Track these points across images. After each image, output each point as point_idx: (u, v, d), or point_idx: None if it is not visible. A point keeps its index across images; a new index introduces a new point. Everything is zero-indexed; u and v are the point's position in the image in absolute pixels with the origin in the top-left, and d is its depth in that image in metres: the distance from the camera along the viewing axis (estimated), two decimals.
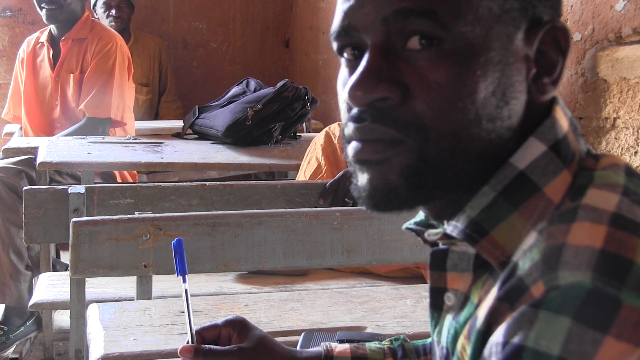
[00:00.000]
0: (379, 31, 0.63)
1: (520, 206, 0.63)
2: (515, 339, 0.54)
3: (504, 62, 0.63)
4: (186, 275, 0.92)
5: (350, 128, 0.65)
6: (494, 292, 0.60)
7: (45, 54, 3.25)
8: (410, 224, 0.76)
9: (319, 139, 2.47)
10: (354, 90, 0.63)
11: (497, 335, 0.56)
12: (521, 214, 0.63)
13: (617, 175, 0.63)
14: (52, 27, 3.24)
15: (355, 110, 0.65)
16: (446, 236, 0.67)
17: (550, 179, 0.63)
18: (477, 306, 0.65)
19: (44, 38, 3.27)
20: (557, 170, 0.64)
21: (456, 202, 0.67)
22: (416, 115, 0.62)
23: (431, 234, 0.71)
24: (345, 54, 0.68)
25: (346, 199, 2.12)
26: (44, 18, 3.20)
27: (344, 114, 0.68)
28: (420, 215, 0.76)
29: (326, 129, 2.50)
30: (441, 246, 0.70)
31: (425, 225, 0.75)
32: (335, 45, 0.68)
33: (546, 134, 0.65)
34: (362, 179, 0.66)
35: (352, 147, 0.66)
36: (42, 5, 3.15)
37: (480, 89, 0.62)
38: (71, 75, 3.19)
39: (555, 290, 0.54)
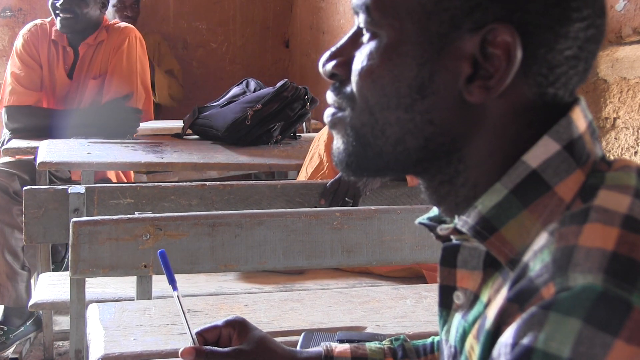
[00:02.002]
0: (356, 20, 0.71)
1: (530, 204, 0.63)
2: (525, 340, 0.54)
3: (427, 57, 0.64)
4: (175, 283, 0.94)
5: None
6: (503, 292, 0.60)
7: (61, 58, 3.10)
8: (423, 218, 0.77)
9: (322, 134, 2.47)
10: (320, 65, 0.72)
11: (507, 336, 0.55)
12: (531, 212, 0.63)
13: (628, 177, 0.63)
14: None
15: None
16: (456, 231, 0.68)
17: (562, 178, 0.63)
18: (486, 305, 0.65)
19: (60, 39, 3.10)
20: (569, 169, 0.64)
21: (435, 191, 0.70)
22: (350, 87, 0.69)
23: (443, 228, 0.71)
24: None
25: (346, 199, 2.13)
26: (57, 26, 3.03)
27: None
28: (434, 210, 0.76)
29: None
30: (453, 242, 0.70)
31: (438, 220, 0.75)
32: None
33: (561, 134, 0.64)
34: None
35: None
36: (57, 13, 3.01)
37: (395, 78, 0.66)
38: (93, 80, 3.07)
39: (566, 292, 0.54)
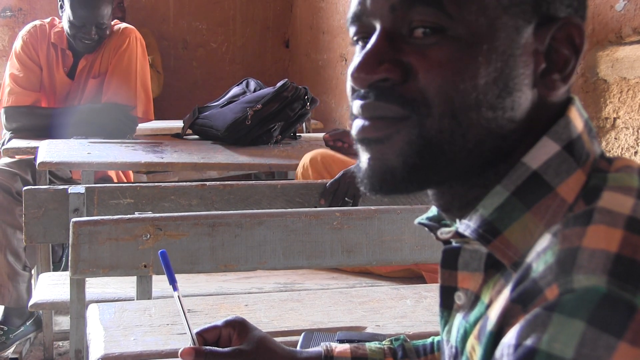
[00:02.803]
0: (387, 18, 0.66)
1: (533, 206, 0.63)
2: (528, 342, 0.53)
3: (509, 53, 0.64)
4: (176, 284, 0.94)
5: (356, 106, 0.67)
6: (506, 293, 0.60)
7: (60, 59, 3.09)
8: (422, 218, 0.76)
9: (298, 171, 2.42)
10: (356, 72, 0.65)
11: (510, 337, 0.55)
12: (534, 214, 0.63)
13: (631, 178, 0.63)
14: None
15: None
16: (459, 235, 0.67)
17: (563, 179, 0.63)
18: (487, 306, 0.65)
19: (59, 41, 3.08)
20: (570, 170, 0.64)
21: (463, 196, 0.68)
22: (419, 91, 0.64)
23: (444, 232, 0.71)
24: (358, 41, 0.70)
25: (346, 199, 2.12)
26: (77, 46, 3.01)
27: (349, 94, 0.69)
28: (433, 210, 0.76)
29: (304, 161, 2.43)
30: (454, 244, 0.70)
31: (438, 220, 0.75)
32: (350, 32, 0.70)
33: (560, 134, 0.65)
34: (363, 158, 0.67)
35: (356, 125, 0.67)
36: (81, 40, 2.98)
37: (481, 75, 0.63)
38: (92, 80, 3.06)
39: (570, 294, 0.54)
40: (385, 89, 0.65)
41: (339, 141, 2.66)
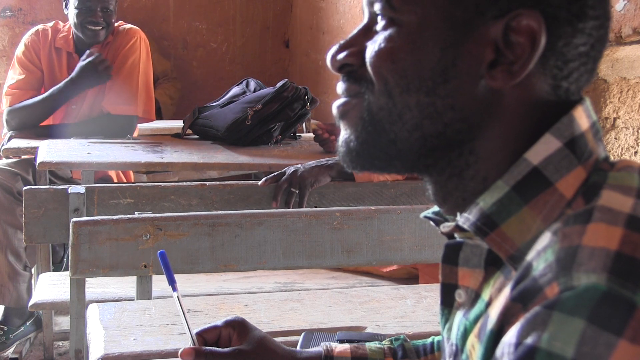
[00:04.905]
0: (367, 12, 0.71)
1: (530, 201, 0.63)
2: (529, 340, 0.53)
3: (450, 42, 0.65)
4: (175, 284, 0.94)
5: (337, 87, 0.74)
6: (506, 292, 0.60)
7: (64, 62, 3.08)
8: (428, 212, 0.77)
9: None
10: (328, 58, 0.72)
11: (510, 336, 0.55)
12: (531, 208, 0.63)
13: (631, 178, 0.63)
14: (80, 37, 3.05)
15: None
16: (458, 228, 0.68)
17: (563, 175, 0.63)
18: (488, 304, 0.65)
19: (65, 45, 3.07)
20: (570, 166, 0.64)
21: (444, 186, 0.70)
22: (368, 73, 0.69)
23: (445, 225, 0.72)
24: None
25: (292, 189, 2.06)
26: (85, 38, 3.00)
27: None
28: None
29: None
30: (457, 239, 0.70)
31: (443, 215, 0.75)
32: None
33: (562, 131, 0.65)
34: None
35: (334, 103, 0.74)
36: (88, 26, 2.97)
37: (417, 61, 0.66)
38: None
39: (570, 292, 0.54)
40: (350, 72, 0.71)
41: (331, 133, 2.63)
